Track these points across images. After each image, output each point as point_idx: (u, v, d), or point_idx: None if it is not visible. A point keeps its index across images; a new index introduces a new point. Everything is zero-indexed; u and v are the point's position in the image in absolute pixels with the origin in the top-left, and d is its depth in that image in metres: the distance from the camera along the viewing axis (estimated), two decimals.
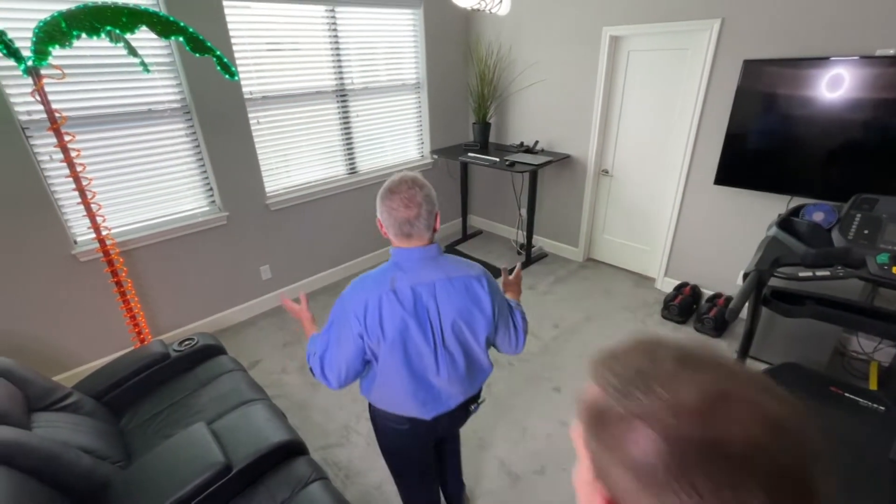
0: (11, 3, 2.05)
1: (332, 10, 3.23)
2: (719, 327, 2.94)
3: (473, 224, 4.94)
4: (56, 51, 1.76)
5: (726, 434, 0.32)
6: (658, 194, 3.43)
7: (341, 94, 3.48)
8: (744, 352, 2.34)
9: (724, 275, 3.17)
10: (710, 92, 2.86)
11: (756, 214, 2.88)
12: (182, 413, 1.89)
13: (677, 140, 3.17)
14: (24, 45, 1.84)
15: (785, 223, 1.93)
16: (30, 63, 1.78)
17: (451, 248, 4.41)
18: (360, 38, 3.45)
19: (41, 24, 1.72)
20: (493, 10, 1.68)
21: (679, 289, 3.26)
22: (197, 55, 1.86)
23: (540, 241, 4.33)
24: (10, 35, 1.75)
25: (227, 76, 1.97)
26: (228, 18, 2.72)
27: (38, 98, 1.87)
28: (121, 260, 2.40)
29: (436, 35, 3.87)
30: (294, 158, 3.34)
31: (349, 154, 3.69)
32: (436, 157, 4.21)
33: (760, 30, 2.58)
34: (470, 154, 3.86)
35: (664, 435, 0.34)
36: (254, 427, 1.67)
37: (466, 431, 2.30)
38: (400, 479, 1.57)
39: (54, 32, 1.71)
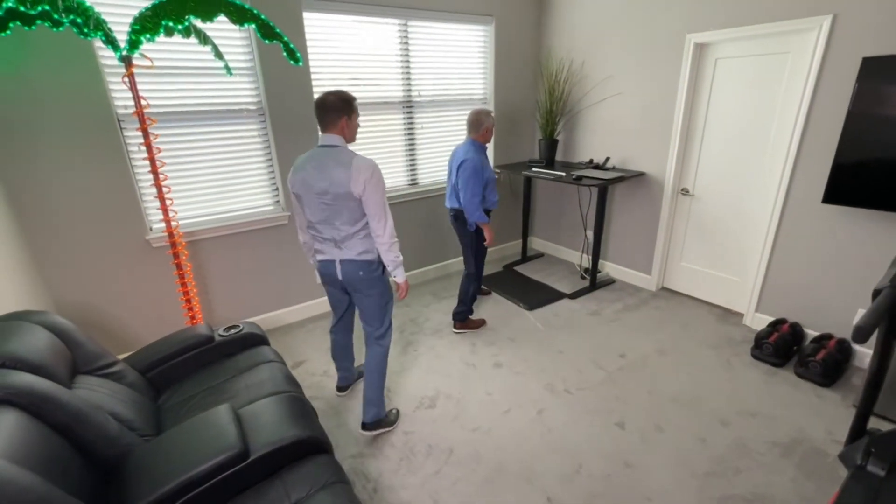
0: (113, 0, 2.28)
1: (405, 24, 3.32)
2: (829, 373, 2.43)
3: (534, 247, 4.70)
4: (147, 44, 1.91)
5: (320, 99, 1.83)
6: (748, 216, 3.02)
7: (408, 106, 3.52)
8: (866, 407, 1.85)
9: (835, 313, 2.66)
10: (817, 97, 2.50)
11: (878, 239, 2.41)
12: (216, 397, 1.84)
13: (774, 153, 2.79)
14: (121, 37, 2.02)
15: None
16: (124, 52, 1.93)
17: (508, 270, 4.20)
18: (430, 52, 3.50)
19: (137, 16, 1.88)
20: None
21: (775, 325, 2.78)
22: (266, 41, 1.93)
23: (607, 266, 3.99)
24: (108, 25, 1.92)
25: (292, 62, 2.02)
26: (307, 29, 2.86)
27: (128, 84, 2.03)
28: (182, 243, 2.49)
29: (505, 51, 3.84)
30: None
31: (411, 165, 3.69)
32: (499, 171, 4.10)
33: (882, 22, 2.22)
34: (534, 169, 3.70)
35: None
36: (280, 417, 1.56)
37: (508, 454, 2.04)
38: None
39: (146, 23, 1.85)
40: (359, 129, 1.99)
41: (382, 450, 2.12)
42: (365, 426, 2.17)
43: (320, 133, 1.89)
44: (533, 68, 4.08)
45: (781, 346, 2.62)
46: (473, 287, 3.03)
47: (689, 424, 2.22)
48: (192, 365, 2.04)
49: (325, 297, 3.51)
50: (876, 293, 1.35)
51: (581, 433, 2.18)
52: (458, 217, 2.87)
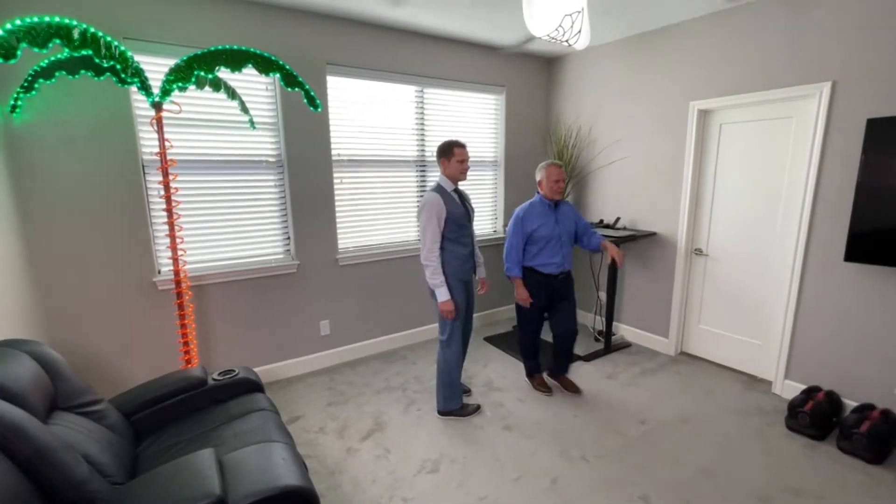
0: (152, 58, 2.43)
1: (422, 91, 3.53)
2: (876, 448, 2.19)
3: None
4: (178, 97, 2.05)
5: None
6: (767, 275, 2.93)
7: (421, 165, 3.64)
8: None
9: (873, 380, 2.46)
10: (825, 158, 2.52)
11: None
12: (201, 445, 1.69)
13: (787, 212, 2.77)
14: (155, 86, 2.17)
15: None
16: (156, 98, 2.05)
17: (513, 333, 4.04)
18: (444, 116, 3.69)
19: (173, 67, 2.02)
20: (570, 42, 1.65)
21: (809, 393, 2.57)
22: (289, 89, 2.04)
23: (622, 329, 3.83)
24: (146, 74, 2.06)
25: (311, 108, 2.13)
26: (329, 91, 3.05)
27: (155, 127, 2.13)
28: (188, 283, 2.46)
29: (516, 117, 4.04)
30: (369, 219, 3.43)
31: None
32: None
33: (883, 86, 2.29)
34: None
35: None
36: (266, 465, 1.42)
37: None
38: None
39: (180, 73, 1.99)
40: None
41: None
42: (439, 412, 2.64)
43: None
44: (542, 134, 4.25)
45: (819, 415, 2.39)
46: (522, 338, 2.96)
47: (723, 501, 1.97)
48: (181, 410, 1.91)
49: (327, 352, 3.40)
50: None
51: None
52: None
